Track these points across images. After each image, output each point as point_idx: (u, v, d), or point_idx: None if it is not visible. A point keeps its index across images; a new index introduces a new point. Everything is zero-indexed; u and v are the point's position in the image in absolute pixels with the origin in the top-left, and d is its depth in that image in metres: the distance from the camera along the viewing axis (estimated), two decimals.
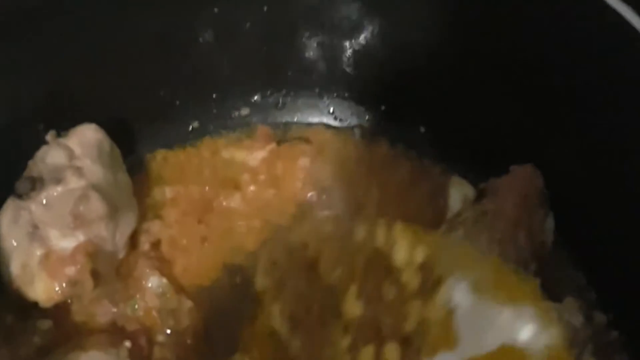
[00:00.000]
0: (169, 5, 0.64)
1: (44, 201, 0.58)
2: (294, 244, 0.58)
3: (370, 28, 0.66)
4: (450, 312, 0.50)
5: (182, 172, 0.69)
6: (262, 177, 0.69)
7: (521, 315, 0.49)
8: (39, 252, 0.58)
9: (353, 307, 0.52)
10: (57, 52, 0.61)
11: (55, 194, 0.58)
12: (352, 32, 0.67)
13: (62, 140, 0.61)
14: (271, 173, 0.69)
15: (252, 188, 0.68)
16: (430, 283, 0.51)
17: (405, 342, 0.50)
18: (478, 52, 0.62)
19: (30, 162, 0.60)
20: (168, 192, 0.68)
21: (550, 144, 0.61)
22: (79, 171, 0.60)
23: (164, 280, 0.61)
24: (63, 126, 0.62)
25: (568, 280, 0.60)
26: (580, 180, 0.59)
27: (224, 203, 0.67)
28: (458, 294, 0.50)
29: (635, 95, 0.52)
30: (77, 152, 0.61)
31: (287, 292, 0.56)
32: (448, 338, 0.49)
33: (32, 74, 0.61)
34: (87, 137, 0.61)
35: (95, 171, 0.60)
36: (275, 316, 0.55)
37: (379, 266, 0.52)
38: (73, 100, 0.64)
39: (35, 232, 0.58)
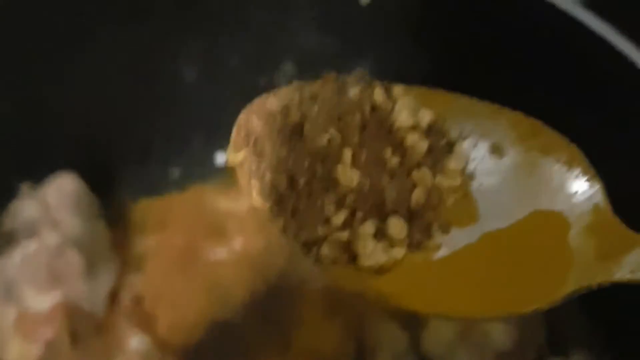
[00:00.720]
0: (151, 46, 0.62)
1: (19, 258, 0.56)
2: (273, 108, 0.47)
3: (355, 63, 0.64)
4: (467, 180, 0.43)
5: (165, 221, 0.66)
6: (247, 224, 0.66)
7: (560, 166, 0.42)
8: (13, 313, 0.55)
9: (348, 177, 0.43)
10: (31, 98, 0.59)
11: (30, 249, 0.56)
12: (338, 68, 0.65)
13: (37, 191, 0.59)
14: (257, 219, 0.66)
15: (237, 236, 0.65)
16: (441, 147, 0.44)
17: (413, 217, 0.43)
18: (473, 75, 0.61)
19: (3, 217, 0.58)
20: (150, 242, 0.64)
21: None
22: (55, 224, 0.58)
23: (147, 338, 0.58)
24: (38, 175, 0.60)
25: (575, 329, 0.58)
26: None
27: (210, 253, 0.64)
28: (476, 156, 0.44)
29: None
30: (53, 204, 0.59)
31: (266, 163, 0.46)
32: (466, 210, 0.43)
33: (3, 122, 0.59)
34: (63, 188, 0.60)
35: (72, 224, 0.58)
36: (254, 193, 0.46)
37: (378, 128, 0.44)
38: (48, 146, 0.61)
39: (9, 292, 0.56)
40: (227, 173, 0.67)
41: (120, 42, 0.61)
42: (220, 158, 0.70)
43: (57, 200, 0.59)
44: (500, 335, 0.55)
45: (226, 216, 0.66)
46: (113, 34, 0.60)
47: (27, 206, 0.58)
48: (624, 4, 0.58)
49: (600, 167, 0.44)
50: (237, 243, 0.65)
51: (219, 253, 0.64)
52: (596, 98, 0.54)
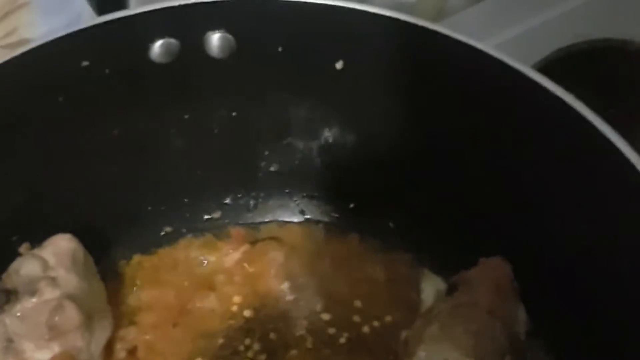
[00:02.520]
0: (139, 114, 0.65)
1: (19, 314, 0.58)
2: None
3: (334, 129, 0.68)
4: None
5: (156, 276, 0.69)
6: (236, 277, 0.69)
7: None
8: None
9: None
10: (29, 165, 0.62)
11: (30, 305, 0.58)
12: (317, 134, 0.69)
13: (36, 251, 0.61)
14: (245, 273, 0.69)
15: (227, 289, 0.69)
16: None
17: None
18: (443, 147, 0.65)
19: (4, 275, 0.59)
20: (142, 297, 0.68)
21: (518, 237, 0.62)
22: (53, 281, 0.60)
23: None
24: (36, 237, 0.62)
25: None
26: (548, 271, 0.60)
27: (199, 305, 0.68)
28: None
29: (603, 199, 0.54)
30: (51, 263, 0.61)
31: None
32: None
33: (3, 188, 0.62)
34: (60, 247, 0.62)
35: (69, 280, 0.60)
36: None
37: None
38: (46, 210, 0.64)
39: (9, 346, 0.57)
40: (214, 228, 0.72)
41: (113, 118, 0.65)
42: (208, 215, 0.73)
43: (55, 259, 0.61)
44: None
45: (214, 269, 0.70)
46: (106, 111, 0.64)
47: (27, 265, 0.60)
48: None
49: None
50: (225, 293, 0.68)
51: (208, 303, 0.67)
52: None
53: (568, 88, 0.57)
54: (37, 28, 0.78)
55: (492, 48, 0.58)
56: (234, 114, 0.68)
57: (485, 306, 0.59)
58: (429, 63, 0.61)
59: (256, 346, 0.65)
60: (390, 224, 0.70)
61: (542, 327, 0.61)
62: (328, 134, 0.69)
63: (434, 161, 0.66)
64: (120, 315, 0.66)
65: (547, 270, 0.60)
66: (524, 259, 0.61)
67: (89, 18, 0.76)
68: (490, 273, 0.61)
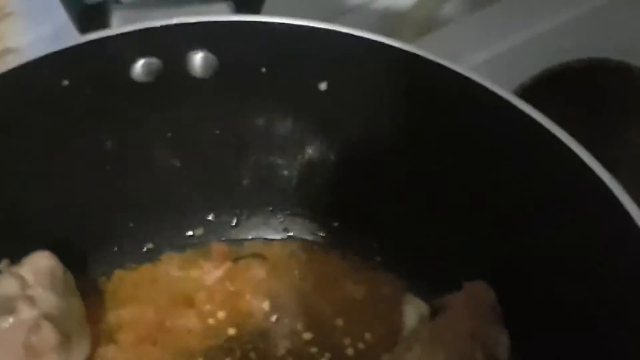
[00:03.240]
0: (120, 132, 0.65)
1: None
2: None
3: (318, 148, 0.68)
4: None
5: (137, 293, 0.69)
6: (217, 295, 0.69)
7: None
8: None
9: None
10: (7, 180, 0.62)
11: (6, 325, 0.57)
12: (300, 152, 0.69)
13: (14, 269, 0.61)
14: (227, 291, 0.69)
15: (207, 307, 0.68)
16: None
17: None
18: (428, 167, 0.64)
19: None
20: (122, 314, 0.67)
21: (503, 261, 0.62)
22: (31, 300, 0.59)
23: None
24: (15, 254, 0.61)
25: None
26: (532, 297, 0.60)
27: (179, 323, 0.67)
28: None
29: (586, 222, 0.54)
30: (30, 281, 0.60)
31: None
32: None
33: None
34: (39, 265, 0.61)
35: (47, 299, 0.60)
36: None
37: None
38: (24, 226, 0.64)
39: None
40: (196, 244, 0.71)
41: (94, 135, 0.64)
42: (190, 232, 0.72)
43: (33, 277, 0.60)
44: None
45: (195, 286, 0.69)
46: (87, 129, 0.63)
47: (4, 283, 0.59)
48: None
49: None
50: (205, 311, 0.67)
51: (188, 321, 0.67)
52: None
53: (557, 106, 0.57)
54: (22, 37, 0.78)
55: (469, 70, 0.59)
56: (217, 132, 0.67)
57: (466, 331, 0.58)
58: (410, 84, 0.61)
59: None
60: (375, 244, 0.70)
61: (527, 354, 0.60)
62: (312, 153, 0.69)
63: (418, 181, 0.65)
64: (100, 333, 0.65)
65: (532, 294, 0.60)
66: (509, 284, 0.60)
67: (74, 29, 0.75)
68: (473, 298, 0.61)
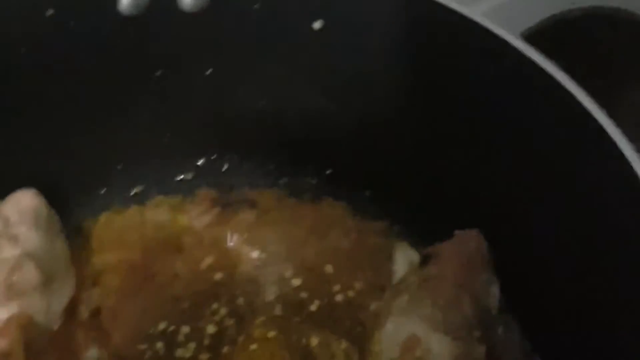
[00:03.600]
0: (107, 69, 0.63)
1: None
2: None
3: (312, 94, 0.66)
4: None
5: (123, 237, 0.67)
6: (206, 240, 0.67)
7: None
8: None
9: None
10: None
11: None
12: (295, 98, 0.67)
13: None
14: (215, 236, 0.68)
15: (195, 251, 0.67)
16: None
17: None
18: (423, 116, 0.63)
19: None
20: (108, 258, 0.66)
21: (496, 210, 0.60)
22: (14, 239, 0.59)
23: (102, 352, 0.60)
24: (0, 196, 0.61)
25: (513, 346, 0.60)
26: (526, 247, 0.59)
27: (166, 267, 0.66)
28: None
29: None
30: (13, 219, 0.60)
31: None
32: None
33: None
34: (23, 204, 0.60)
35: (31, 239, 0.59)
36: None
37: None
38: (10, 165, 0.63)
39: None
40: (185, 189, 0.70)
41: (80, 72, 0.63)
42: (180, 176, 0.71)
43: (17, 215, 0.60)
44: (442, 351, 0.57)
45: (183, 231, 0.68)
46: (72, 66, 0.62)
47: None
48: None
49: None
50: (193, 257, 0.66)
51: (175, 267, 0.66)
52: None
53: (558, 55, 0.55)
54: None
55: (479, 15, 0.56)
56: (207, 72, 0.65)
57: (453, 279, 0.58)
58: (413, 27, 0.59)
59: (223, 311, 0.64)
60: (367, 192, 0.69)
61: (518, 304, 0.60)
62: (306, 99, 0.67)
63: (413, 130, 0.63)
64: (85, 275, 0.64)
65: (525, 245, 0.58)
66: (502, 234, 0.59)
67: None
68: (463, 246, 0.60)
